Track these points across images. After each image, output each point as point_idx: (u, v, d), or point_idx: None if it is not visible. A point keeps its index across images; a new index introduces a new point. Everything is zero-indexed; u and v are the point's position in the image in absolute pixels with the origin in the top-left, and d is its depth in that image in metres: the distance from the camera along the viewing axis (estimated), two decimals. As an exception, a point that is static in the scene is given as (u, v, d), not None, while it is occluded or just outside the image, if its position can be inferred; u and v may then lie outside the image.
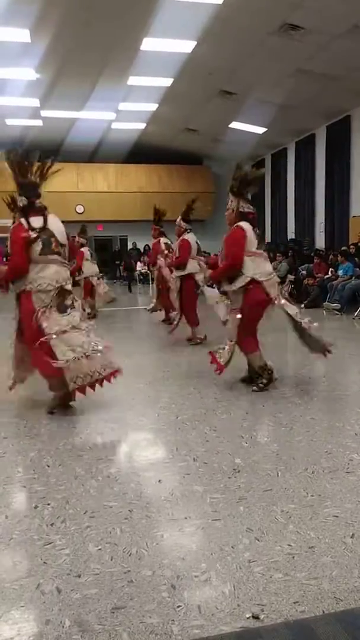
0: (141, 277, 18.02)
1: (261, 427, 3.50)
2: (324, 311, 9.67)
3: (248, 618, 1.66)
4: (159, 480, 2.66)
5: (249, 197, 4.44)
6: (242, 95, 12.38)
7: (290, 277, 12.08)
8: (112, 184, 20.05)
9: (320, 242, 14.05)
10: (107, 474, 2.77)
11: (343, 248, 10.39)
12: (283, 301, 4.29)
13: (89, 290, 9.75)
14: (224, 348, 4.38)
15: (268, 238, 17.08)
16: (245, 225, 4.29)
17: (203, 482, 2.62)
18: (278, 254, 12.77)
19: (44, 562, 1.99)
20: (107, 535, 2.16)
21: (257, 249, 4.30)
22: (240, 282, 4.21)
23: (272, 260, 12.72)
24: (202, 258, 6.58)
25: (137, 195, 19.30)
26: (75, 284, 9.76)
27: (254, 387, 4.30)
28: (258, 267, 4.22)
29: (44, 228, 3.74)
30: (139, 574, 1.90)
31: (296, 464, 2.81)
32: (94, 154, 18.76)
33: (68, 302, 3.75)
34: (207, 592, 1.80)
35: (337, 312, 9.31)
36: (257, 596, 1.76)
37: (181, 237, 6.57)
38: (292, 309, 4.31)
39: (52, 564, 1.98)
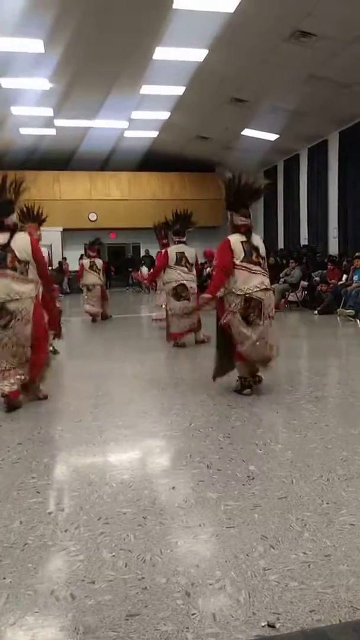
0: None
1: (275, 434, 3.48)
2: (338, 317, 9.61)
3: (263, 626, 1.65)
4: (173, 487, 2.66)
5: (247, 208, 4.38)
6: (254, 103, 12.43)
7: (304, 283, 12.03)
8: (124, 192, 20.18)
9: (333, 248, 13.99)
10: (120, 480, 2.77)
11: (357, 254, 10.33)
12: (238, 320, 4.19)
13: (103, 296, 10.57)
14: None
15: (281, 244, 17.06)
16: (232, 237, 4.31)
17: (217, 489, 2.61)
18: (291, 261, 12.74)
19: (58, 568, 1.99)
20: (121, 542, 2.15)
21: (248, 261, 4.22)
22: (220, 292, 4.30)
23: (285, 266, 12.74)
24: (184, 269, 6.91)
25: (150, 203, 19.42)
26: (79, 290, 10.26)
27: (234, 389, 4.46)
28: (236, 282, 4.19)
29: (6, 245, 4.01)
30: (153, 581, 1.89)
31: (311, 471, 2.78)
32: (107, 163, 18.92)
33: (2, 322, 3.97)
34: (221, 599, 1.79)
35: (351, 319, 9.24)
36: (272, 604, 1.75)
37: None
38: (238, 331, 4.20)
39: (66, 570, 1.98)
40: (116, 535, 2.21)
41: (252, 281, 4.20)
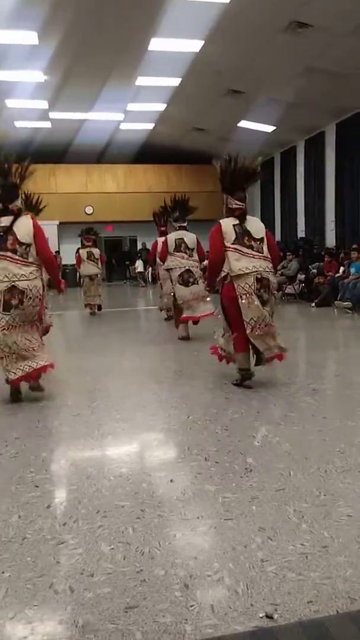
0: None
1: (273, 426, 3.49)
2: (335, 310, 9.63)
3: (261, 617, 1.66)
4: (171, 480, 2.67)
5: (244, 192, 4.38)
6: (250, 94, 12.36)
7: (301, 276, 12.03)
8: (121, 185, 20.10)
9: (330, 240, 13.98)
10: (118, 473, 2.77)
11: (354, 246, 10.32)
12: (249, 301, 4.17)
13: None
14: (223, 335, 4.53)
15: (278, 237, 17.03)
16: (224, 221, 4.34)
17: (215, 482, 2.62)
18: (288, 253, 12.73)
19: (57, 562, 2.00)
20: (119, 535, 2.16)
21: (240, 243, 4.24)
22: (219, 278, 4.37)
23: (282, 259, 12.73)
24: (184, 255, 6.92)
25: (146, 196, 19.31)
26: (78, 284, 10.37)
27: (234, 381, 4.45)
28: (229, 263, 4.23)
29: (9, 228, 4.04)
30: (151, 573, 1.90)
31: (309, 463, 2.80)
32: (103, 155, 18.82)
33: (14, 301, 4.00)
34: (220, 591, 1.80)
35: (348, 311, 9.26)
36: (270, 596, 1.76)
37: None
38: (254, 312, 4.19)
39: (65, 563, 1.99)
40: (114, 528, 2.22)
41: (244, 262, 4.22)
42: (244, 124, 14.60)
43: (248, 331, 4.20)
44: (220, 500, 2.43)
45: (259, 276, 4.22)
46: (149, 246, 19.53)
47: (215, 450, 3.03)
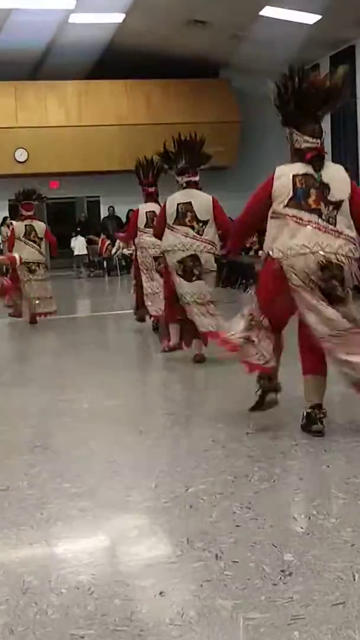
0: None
1: (324, 502, 3.49)
2: None
3: None
4: (161, 593, 2.66)
5: (318, 122, 4.51)
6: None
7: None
8: (72, 114, 20.16)
9: None
10: (75, 583, 2.76)
11: None
12: (314, 300, 4.21)
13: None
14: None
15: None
16: (283, 168, 4.43)
17: (232, 594, 2.62)
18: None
19: None
20: None
21: (299, 206, 4.28)
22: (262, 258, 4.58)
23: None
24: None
25: (114, 131, 19.42)
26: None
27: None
28: (276, 238, 4.31)
29: None
30: None
31: (383, 560, 2.80)
32: (42, 66, 18.90)
33: None
34: None
35: None
36: None
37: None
38: (328, 313, 4.22)
39: None
40: (69, 673, 2.21)
41: (300, 238, 4.24)
42: (268, 11, 14.71)
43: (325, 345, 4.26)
44: (241, 623, 2.42)
45: (323, 261, 4.21)
46: (120, 212, 19.75)
47: (231, 542, 3.03)
